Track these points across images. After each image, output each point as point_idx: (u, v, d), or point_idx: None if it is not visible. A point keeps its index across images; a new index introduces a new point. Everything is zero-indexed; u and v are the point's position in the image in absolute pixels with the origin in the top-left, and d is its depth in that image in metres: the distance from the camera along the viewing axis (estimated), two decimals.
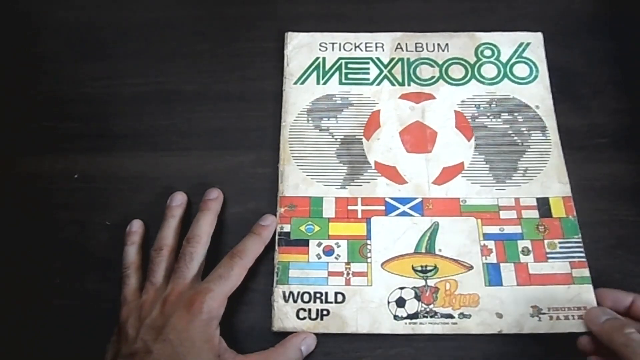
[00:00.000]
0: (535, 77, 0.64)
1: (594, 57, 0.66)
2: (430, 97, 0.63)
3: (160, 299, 0.50)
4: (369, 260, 0.55)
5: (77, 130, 0.65)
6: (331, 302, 0.54)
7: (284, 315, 0.53)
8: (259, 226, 0.56)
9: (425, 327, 0.52)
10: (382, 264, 0.55)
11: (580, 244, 0.56)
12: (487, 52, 0.66)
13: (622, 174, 0.60)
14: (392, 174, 0.60)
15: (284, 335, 0.53)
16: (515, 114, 0.62)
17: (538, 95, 0.63)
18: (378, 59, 0.65)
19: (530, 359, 0.53)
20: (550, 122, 0.62)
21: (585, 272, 0.54)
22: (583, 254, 0.55)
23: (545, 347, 0.53)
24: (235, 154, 0.63)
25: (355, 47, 0.66)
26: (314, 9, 0.70)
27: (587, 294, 0.53)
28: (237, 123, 0.64)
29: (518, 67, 0.65)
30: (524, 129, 0.62)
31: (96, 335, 0.55)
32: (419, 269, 0.55)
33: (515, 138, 0.61)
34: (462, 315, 0.53)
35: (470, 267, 0.55)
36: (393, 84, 0.64)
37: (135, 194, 0.62)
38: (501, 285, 0.54)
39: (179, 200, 0.59)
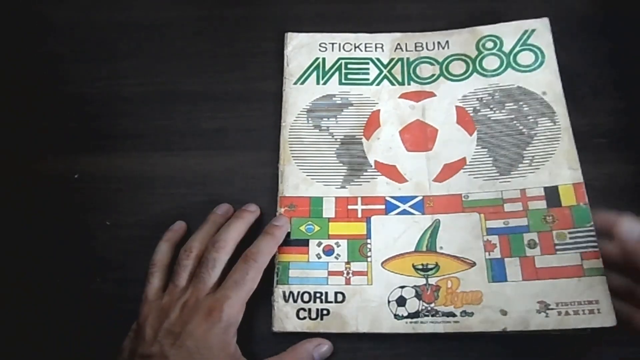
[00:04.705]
0: (542, 63, 0.63)
1: (594, 57, 0.66)
2: (431, 94, 0.63)
3: (180, 303, 0.50)
4: (369, 259, 0.55)
5: (77, 130, 0.65)
6: (331, 302, 0.53)
7: (284, 316, 0.53)
8: (272, 226, 0.56)
9: (427, 326, 0.52)
10: (382, 263, 0.55)
11: (592, 233, 0.53)
12: (489, 45, 0.65)
13: (622, 174, 0.60)
14: (392, 173, 0.59)
15: (284, 335, 0.53)
16: (521, 103, 0.61)
17: (544, 81, 0.62)
18: (378, 59, 0.65)
19: (537, 358, 0.53)
20: (559, 108, 0.60)
21: (598, 263, 0.51)
22: (595, 243, 0.52)
23: (553, 344, 0.52)
24: (235, 154, 0.63)
25: (355, 47, 0.66)
26: (313, 9, 0.70)
27: (599, 286, 0.51)
28: (237, 123, 0.64)
29: (522, 55, 0.63)
30: (530, 117, 0.60)
31: (96, 335, 0.56)
32: (420, 267, 0.54)
33: (521, 127, 0.60)
34: (465, 314, 0.52)
35: (473, 264, 0.54)
36: (393, 84, 0.64)
37: (135, 194, 0.62)
38: (506, 280, 0.53)
39: (223, 210, 0.58)
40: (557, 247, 0.53)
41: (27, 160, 0.64)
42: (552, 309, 0.51)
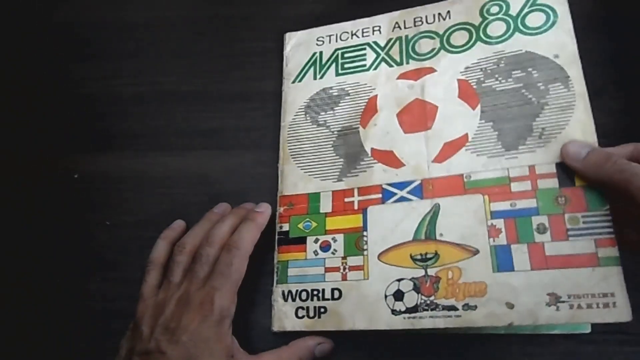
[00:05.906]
0: (554, 23, 0.55)
1: (594, 57, 0.65)
2: (431, 70, 0.57)
3: (175, 298, 0.50)
4: (365, 252, 0.52)
5: (77, 130, 0.66)
6: (328, 299, 0.51)
7: (284, 315, 0.52)
8: (253, 212, 0.56)
9: (426, 321, 0.47)
10: (378, 256, 0.51)
11: (609, 218, 0.46)
12: (494, 9, 0.58)
13: None
14: (388, 158, 0.55)
15: (283, 335, 0.52)
16: (530, 69, 0.54)
17: (557, 42, 0.54)
18: (375, 42, 0.61)
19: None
20: (574, 71, 0.52)
21: (614, 252, 0.45)
22: (611, 229, 0.45)
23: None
24: (235, 154, 0.63)
25: (352, 34, 0.63)
26: (313, 9, 0.69)
27: (615, 277, 0.44)
28: (237, 123, 0.64)
29: (531, 16, 0.56)
30: (540, 84, 0.53)
31: (95, 334, 0.55)
32: (418, 257, 0.50)
33: (530, 96, 0.53)
34: (467, 307, 0.46)
35: (476, 252, 0.48)
36: (391, 65, 0.59)
37: (135, 194, 0.62)
38: (512, 270, 0.46)
39: (221, 208, 0.59)
40: (570, 232, 0.46)
41: (27, 160, 0.64)
42: (563, 301, 0.45)
